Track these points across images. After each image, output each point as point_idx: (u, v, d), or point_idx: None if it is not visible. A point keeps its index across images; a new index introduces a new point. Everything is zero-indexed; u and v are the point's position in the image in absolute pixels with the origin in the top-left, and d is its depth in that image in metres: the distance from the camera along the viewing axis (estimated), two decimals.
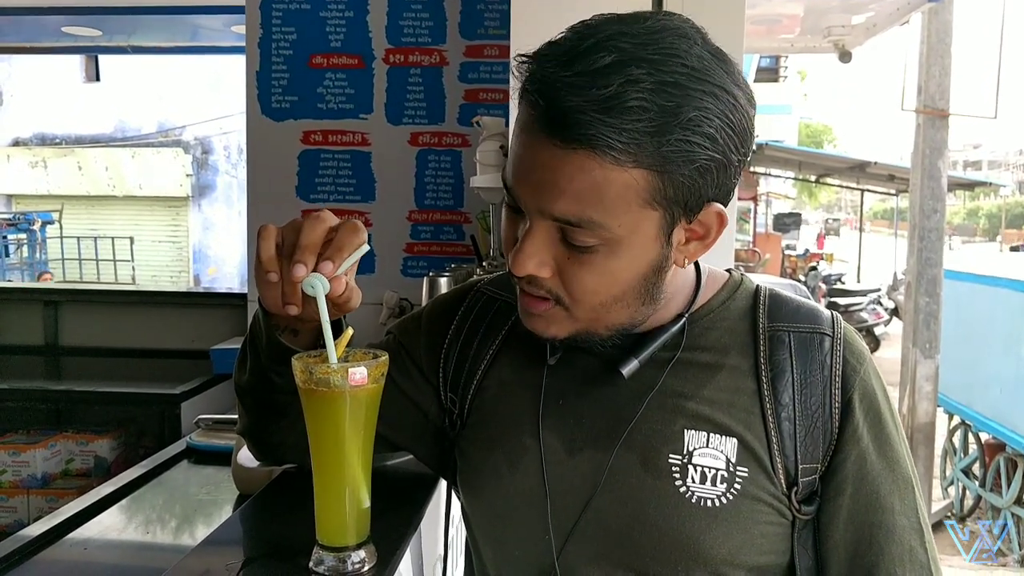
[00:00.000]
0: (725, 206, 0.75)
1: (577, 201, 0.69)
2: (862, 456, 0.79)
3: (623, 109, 0.65)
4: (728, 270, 0.90)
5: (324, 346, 0.75)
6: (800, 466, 0.78)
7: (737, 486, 0.77)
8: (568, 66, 0.66)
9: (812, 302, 0.87)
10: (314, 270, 0.74)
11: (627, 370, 0.80)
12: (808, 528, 0.80)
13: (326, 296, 0.74)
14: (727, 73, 0.70)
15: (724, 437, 0.78)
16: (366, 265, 0.78)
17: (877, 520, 0.78)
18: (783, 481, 0.78)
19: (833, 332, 0.82)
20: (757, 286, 0.87)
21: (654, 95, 0.65)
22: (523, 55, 0.70)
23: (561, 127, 0.66)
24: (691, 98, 0.67)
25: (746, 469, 0.77)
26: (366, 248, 0.77)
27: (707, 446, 0.78)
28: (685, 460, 0.78)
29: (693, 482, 0.77)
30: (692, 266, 0.86)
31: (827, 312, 0.85)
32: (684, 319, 0.82)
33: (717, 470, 0.77)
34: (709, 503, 0.76)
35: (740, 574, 0.78)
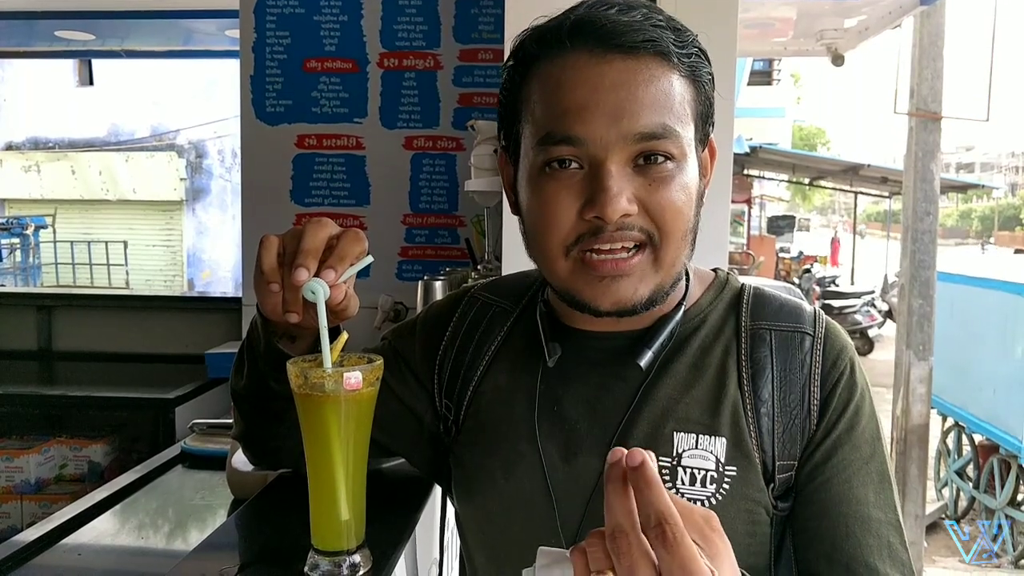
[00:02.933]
0: None
1: (656, 110, 0.73)
2: (834, 449, 0.78)
3: (660, 25, 0.74)
4: (714, 269, 0.90)
5: (320, 352, 0.75)
6: (777, 462, 0.78)
7: (726, 486, 0.77)
8: (592, 8, 0.75)
9: (796, 300, 0.87)
10: (316, 276, 0.74)
11: (644, 361, 0.80)
12: (784, 525, 0.80)
13: (325, 303, 0.74)
14: None
15: (713, 437, 0.78)
16: (362, 270, 0.79)
17: (852, 511, 0.77)
18: (763, 477, 0.78)
19: (814, 331, 0.82)
20: (742, 285, 0.88)
21: (670, 21, 0.76)
22: (549, 20, 0.77)
23: (623, 36, 0.72)
24: (688, 30, 0.78)
25: (735, 468, 0.77)
26: (370, 259, 0.78)
27: (696, 447, 0.78)
28: (674, 463, 0.78)
29: (683, 484, 0.77)
30: (683, 272, 0.86)
31: (810, 309, 0.85)
32: (682, 309, 0.83)
33: (707, 471, 0.77)
34: (698, 504, 0.76)
35: None
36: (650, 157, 0.73)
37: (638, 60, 0.73)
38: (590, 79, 0.73)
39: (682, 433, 0.79)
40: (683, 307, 0.83)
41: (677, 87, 0.74)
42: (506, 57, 0.82)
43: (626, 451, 0.51)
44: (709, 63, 0.78)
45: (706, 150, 0.81)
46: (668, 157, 0.74)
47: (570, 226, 0.75)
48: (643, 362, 0.80)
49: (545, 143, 0.74)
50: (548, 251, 0.77)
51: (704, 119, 0.78)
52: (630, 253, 0.75)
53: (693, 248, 0.80)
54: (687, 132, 0.75)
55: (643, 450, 0.51)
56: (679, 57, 0.74)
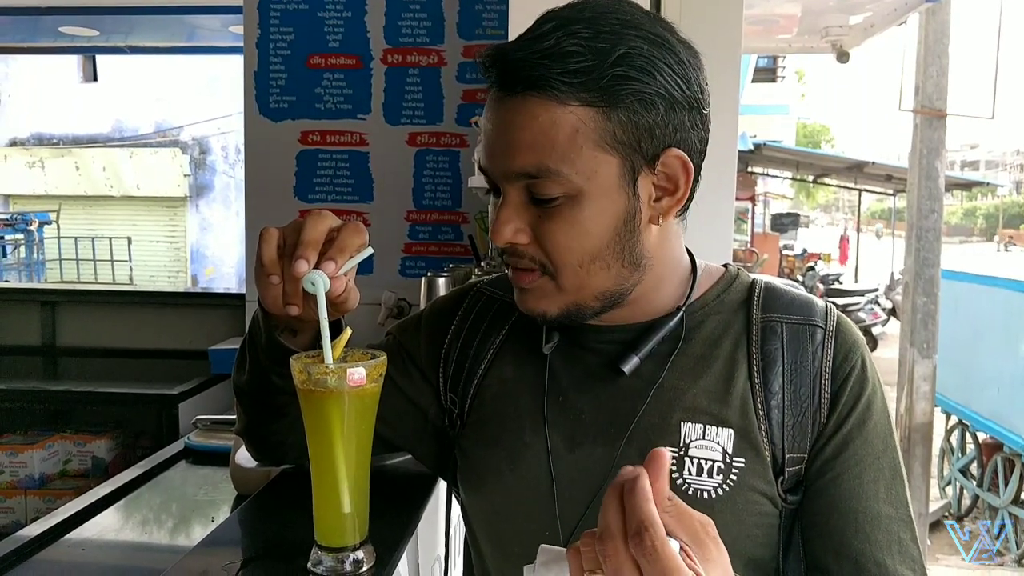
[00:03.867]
0: (692, 159, 0.77)
1: (532, 151, 0.73)
2: (845, 443, 0.79)
3: (562, 54, 0.71)
4: (724, 265, 0.91)
5: (322, 346, 0.74)
6: (787, 455, 0.78)
7: (733, 477, 0.77)
8: (519, 39, 0.75)
9: (807, 294, 0.87)
10: (316, 268, 0.74)
11: (628, 367, 0.81)
12: (793, 519, 0.80)
13: (325, 295, 0.74)
14: (663, 28, 0.76)
15: (720, 428, 0.78)
16: (364, 266, 0.78)
17: (862, 507, 0.77)
18: (771, 470, 0.78)
19: (826, 324, 0.82)
20: (753, 279, 0.88)
21: (589, 41, 0.71)
22: (484, 51, 0.77)
23: (510, 78, 0.73)
24: (624, 40, 0.72)
25: (743, 459, 0.78)
26: (370, 251, 0.78)
27: (704, 438, 0.78)
28: (682, 452, 0.78)
29: (690, 474, 0.77)
30: (687, 258, 0.87)
31: (821, 303, 0.85)
32: (682, 312, 0.83)
33: (714, 462, 0.77)
34: (706, 495, 0.77)
35: (738, 567, 0.77)
36: (537, 194, 0.75)
37: (522, 100, 0.73)
38: (490, 118, 0.77)
39: (689, 423, 0.79)
40: (684, 306, 0.83)
41: (566, 122, 0.72)
42: None
43: (633, 468, 0.52)
44: (656, 76, 0.72)
45: (656, 171, 0.76)
46: (555, 192, 0.74)
47: None
48: (627, 368, 0.81)
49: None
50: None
51: (635, 145, 0.73)
52: (530, 272, 0.79)
53: (635, 268, 0.78)
54: (583, 167, 0.73)
55: (664, 450, 0.53)
56: (577, 87, 0.71)
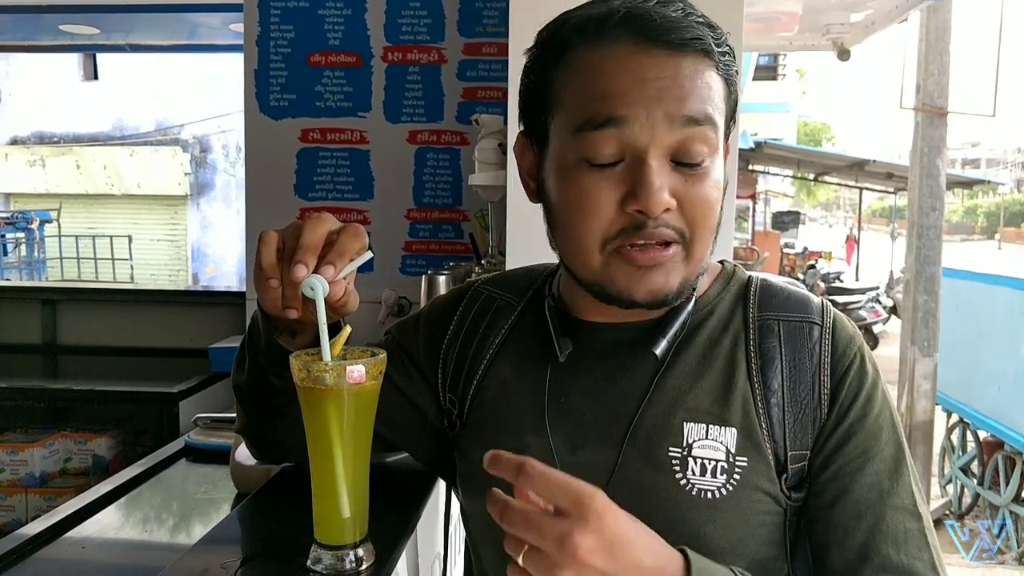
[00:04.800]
0: None
1: (700, 99, 0.74)
2: (847, 437, 0.78)
3: (701, 24, 0.75)
4: (721, 262, 0.90)
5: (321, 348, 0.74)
6: (789, 452, 0.78)
7: (737, 476, 0.77)
8: (637, 3, 0.75)
9: (803, 291, 0.87)
10: (315, 272, 0.74)
11: (659, 349, 0.80)
12: (799, 516, 0.80)
13: (324, 299, 0.74)
14: None
15: (723, 428, 0.78)
16: (364, 265, 0.78)
17: (864, 498, 0.77)
18: (774, 468, 0.78)
19: (823, 321, 0.82)
20: (749, 276, 0.88)
21: (705, 18, 0.77)
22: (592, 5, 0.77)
23: (670, 33, 0.73)
24: (720, 28, 0.78)
25: (746, 458, 0.77)
26: (369, 254, 0.77)
27: (706, 438, 0.78)
28: (685, 453, 0.78)
29: (693, 474, 0.77)
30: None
31: (817, 300, 0.85)
32: (692, 299, 0.83)
33: (717, 461, 0.77)
34: (709, 495, 0.76)
35: (742, 565, 0.77)
36: (687, 153, 0.74)
37: (684, 55, 0.74)
38: (633, 69, 0.73)
39: (692, 423, 0.79)
40: (693, 299, 0.83)
41: (716, 84, 0.75)
42: (533, 44, 0.81)
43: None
44: (736, 63, 0.79)
45: (725, 147, 0.81)
46: (703, 153, 0.74)
47: (610, 219, 0.75)
48: (658, 350, 0.80)
49: (584, 128, 0.74)
50: (584, 244, 0.76)
51: (730, 118, 0.79)
52: (666, 247, 0.76)
53: (715, 242, 0.80)
54: (721, 126, 0.77)
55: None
56: (718, 56, 0.76)
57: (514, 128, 0.88)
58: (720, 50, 0.76)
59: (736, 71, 0.79)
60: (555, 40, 0.78)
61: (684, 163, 0.74)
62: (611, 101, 0.73)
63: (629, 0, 0.75)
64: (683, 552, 0.65)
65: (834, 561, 0.77)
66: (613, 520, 0.60)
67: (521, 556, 0.60)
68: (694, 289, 0.81)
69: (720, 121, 0.76)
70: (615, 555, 0.59)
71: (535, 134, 0.81)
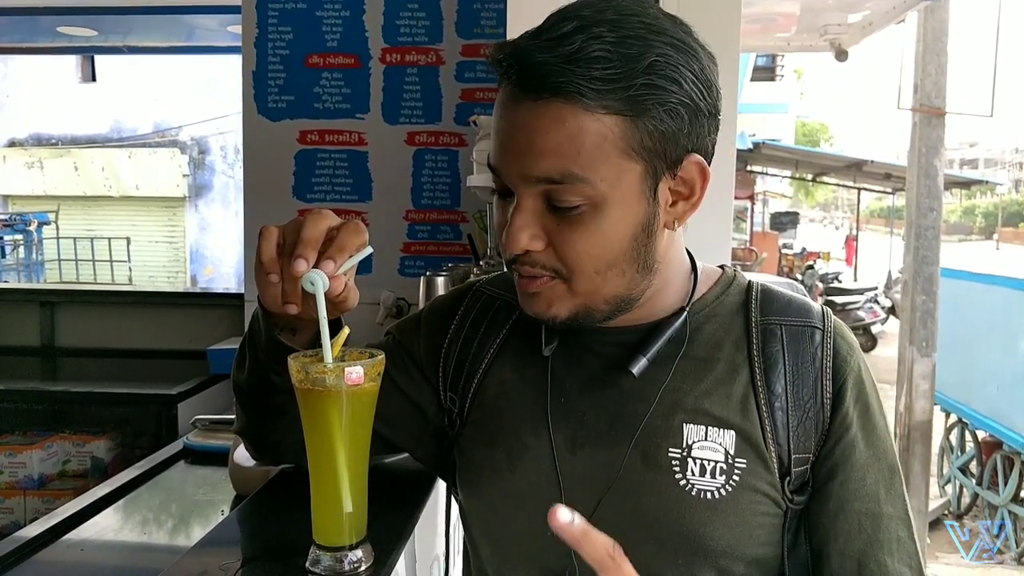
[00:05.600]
0: (707, 163, 0.77)
1: (557, 156, 0.71)
2: (851, 445, 0.80)
3: (588, 59, 0.69)
4: (721, 266, 0.91)
5: (321, 345, 0.74)
6: (793, 456, 0.79)
7: (736, 477, 0.77)
8: (536, 36, 0.72)
9: (803, 297, 0.88)
10: (315, 267, 0.74)
11: (636, 368, 0.80)
12: (799, 518, 0.81)
13: (324, 294, 0.74)
14: (684, 32, 0.75)
15: (722, 430, 0.79)
16: (363, 266, 0.78)
17: (865, 508, 0.79)
18: (777, 471, 0.79)
19: (824, 325, 0.83)
20: (749, 281, 0.88)
21: (616, 46, 0.69)
22: (496, 45, 0.75)
23: (533, 82, 0.70)
24: (651, 47, 0.71)
25: (744, 460, 0.78)
26: (369, 250, 0.78)
27: (706, 439, 0.79)
28: (684, 454, 0.78)
29: (693, 475, 0.78)
30: (688, 259, 0.87)
31: (817, 306, 0.86)
32: (686, 312, 0.83)
33: (716, 462, 0.78)
34: (709, 495, 0.77)
35: (739, 567, 0.78)
36: (557, 201, 0.73)
37: (546, 104, 0.70)
38: (507, 117, 0.74)
39: (692, 425, 0.79)
40: (687, 307, 0.83)
41: (593, 130, 0.70)
42: None
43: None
44: (682, 84, 0.72)
45: (676, 178, 0.76)
46: (575, 201, 0.73)
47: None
48: (635, 369, 0.80)
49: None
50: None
51: (660, 151, 0.73)
52: (539, 278, 0.77)
53: (647, 272, 0.78)
54: (607, 174, 0.72)
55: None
56: (604, 97, 0.69)
57: None
58: (615, 86, 0.69)
59: (671, 101, 0.71)
60: None
61: (557, 209, 0.74)
62: (495, 151, 0.76)
63: (532, 34, 0.72)
64: None
65: (834, 567, 0.79)
66: None
67: None
68: (622, 308, 0.80)
69: (599, 172, 0.71)
70: None
71: None
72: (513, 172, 0.74)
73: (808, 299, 0.88)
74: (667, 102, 0.71)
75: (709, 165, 0.78)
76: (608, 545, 0.58)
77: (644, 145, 0.72)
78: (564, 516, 0.57)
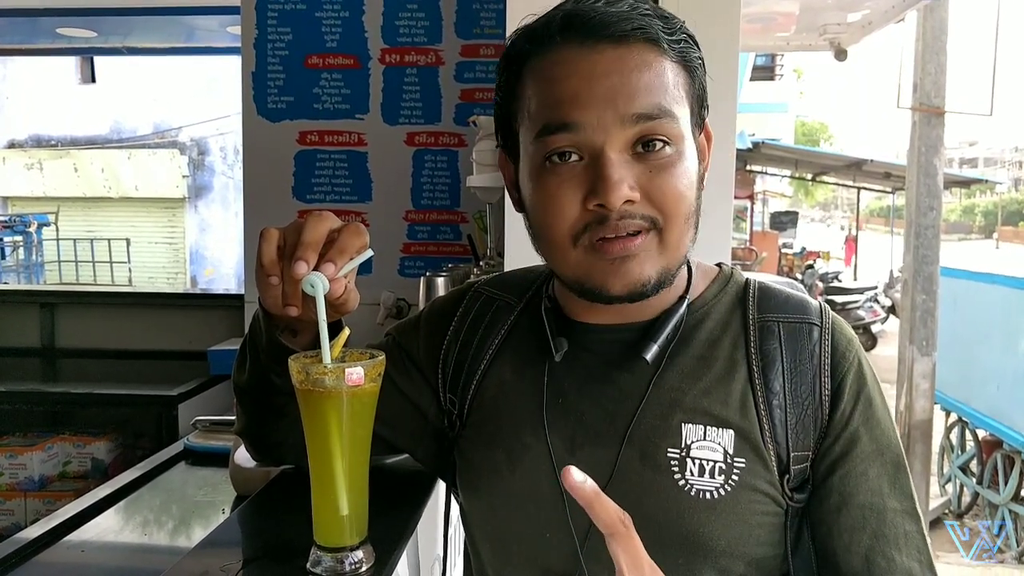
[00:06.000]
0: None
1: (649, 92, 0.74)
2: (851, 440, 0.79)
3: (647, 14, 0.76)
4: (718, 264, 0.91)
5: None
6: (792, 453, 0.79)
7: (735, 477, 0.77)
8: (586, 1, 0.76)
9: (800, 294, 0.87)
10: (316, 269, 0.74)
11: (650, 355, 0.80)
12: (801, 518, 0.81)
13: (325, 296, 0.74)
14: None
15: (721, 429, 0.78)
16: (363, 266, 0.78)
17: (869, 502, 0.78)
18: (776, 469, 0.78)
19: (821, 322, 0.83)
20: (747, 279, 0.88)
21: (656, 9, 0.77)
22: (525, 25, 0.79)
23: (612, 26, 0.74)
24: (675, 18, 0.79)
25: (743, 460, 0.78)
26: (370, 253, 0.78)
27: (704, 439, 0.78)
28: (683, 453, 0.78)
29: (692, 475, 0.77)
30: (687, 258, 0.86)
31: (815, 303, 0.85)
32: (686, 301, 0.83)
33: (715, 462, 0.77)
34: (708, 495, 0.77)
35: (739, 566, 0.78)
36: (648, 144, 0.74)
37: (628, 48, 0.74)
38: (582, 69, 0.74)
39: (690, 424, 0.79)
40: (687, 300, 0.84)
41: (669, 72, 0.76)
42: (500, 59, 0.83)
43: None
44: (699, 49, 0.79)
45: (702, 135, 0.82)
46: (666, 142, 0.74)
47: (575, 216, 0.75)
48: (649, 356, 0.80)
49: (543, 135, 0.75)
50: (556, 242, 0.77)
51: (699, 103, 0.79)
52: (636, 236, 0.75)
53: (696, 232, 0.80)
54: (683, 115, 0.76)
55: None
56: (668, 43, 0.75)
57: None
58: (673, 38, 0.76)
59: (699, 59, 0.79)
60: (513, 51, 0.80)
61: (645, 154, 0.74)
62: (563, 107, 0.74)
63: (576, 0, 0.76)
64: None
65: (840, 564, 0.78)
66: None
67: None
68: (673, 278, 0.80)
69: (680, 110, 0.76)
70: None
71: (510, 146, 0.84)
72: (606, 117, 0.73)
73: (806, 296, 0.87)
74: (698, 60, 0.79)
75: None
76: (619, 513, 0.59)
77: (692, 95, 0.78)
78: (577, 476, 0.59)
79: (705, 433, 0.78)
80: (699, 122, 0.80)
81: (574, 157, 0.75)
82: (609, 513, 0.59)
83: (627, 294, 0.77)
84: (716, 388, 0.80)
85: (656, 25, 0.75)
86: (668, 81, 0.75)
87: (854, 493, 0.78)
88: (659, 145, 0.74)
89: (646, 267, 0.76)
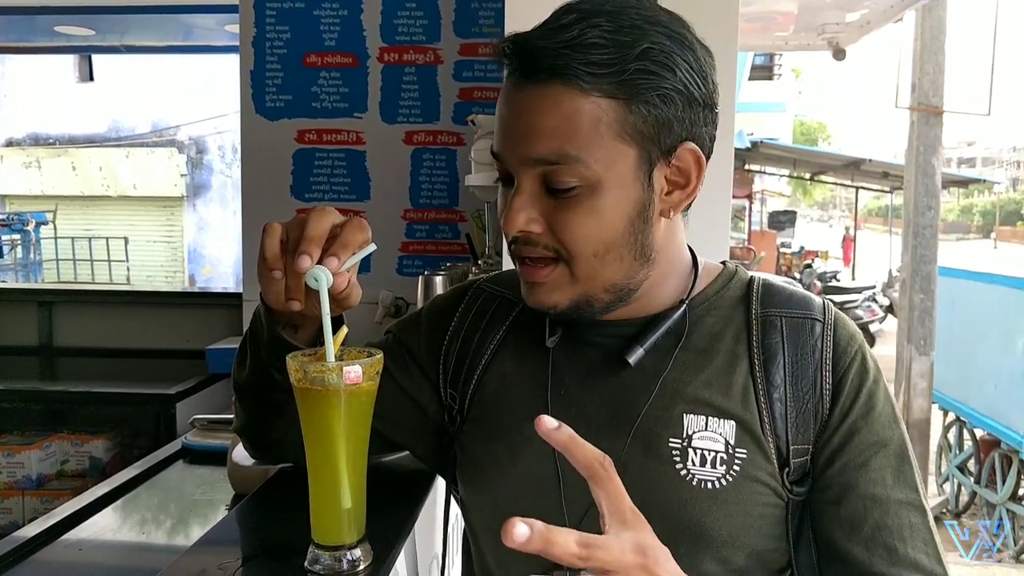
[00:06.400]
0: (703, 154, 0.79)
1: (553, 137, 0.73)
2: (851, 432, 0.79)
3: (585, 45, 0.72)
4: (723, 262, 0.91)
5: (324, 342, 0.74)
6: (791, 447, 0.79)
7: (736, 467, 0.78)
8: (540, 27, 0.75)
9: (804, 290, 0.88)
10: (319, 263, 0.74)
11: (633, 358, 0.81)
12: (803, 511, 0.81)
13: (328, 291, 0.74)
14: (681, 25, 0.77)
15: (722, 420, 0.79)
16: (362, 264, 0.79)
17: (870, 494, 0.78)
18: (776, 462, 0.79)
19: (824, 317, 0.83)
20: (751, 276, 0.89)
21: (612, 34, 0.73)
22: (502, 38, 0.77)
23: (532, 64, 0.73)
24: (646, 35, 0.74)
25: (745, 450, 0.78)
26: (373, 247, 0.78)
27: (706, 429, 0.79)
28: (685, 444, 0.79)
29: (693, 465, 0.78)
30: (689, 254, 0.87)
31: (818, 299, 0.86)
32: (685, 305, 0.83)
33: (716, 452, 0.78)
34: (709, 485, 0.77)
35: (740, 557, 0.78)
36: (554, 183, 0.75)
37: (544, 87, 0.73)
38: (509, 104, 0.77)
39: (692, 415, 0.79)
40: (686, 301, 0.84)
41: (588, 111, 0.73)
42: None
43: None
44: (670, 76, 0.74)
45: (671, 165, 0.77)
46: (571, 183, 0.75)
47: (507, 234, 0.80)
48: (632, 359, 0.81)
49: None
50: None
51: (655, 136, 0.75)
52: (544, 264, 0.79)
53: (645, 261, 0.79)
54: (601, 156, 0.74)
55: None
56: (598, 80, 0.72)
57: None
58: (609, 71, 0.72)
59: (665, 87, 0.73)
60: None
61: (554, 191, 0.76)
62: (497, 137, 0.78)
63: (538, 26, 0.75)
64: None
65: (841, 555, 0.78)
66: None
67: None
68: (621, 300, 0.81)
69: (596, 153, 0.73)
70: (666, 558, 0.59)
71: None
72: (513, 155, 0.76)
73: (810, 293, 0.88)
74: (660, 87, 0.74)
75: (707, 158, 0.79)
76: (599, 455, 0.59)
77: (638, 129, 0.74)
78: (550, 423, 0.59)
79: (707, 423, 0.79)
80: (662, 152, 0.76)
81: (509, 182, 0.79)
82: (587, 455, 0.59)
83: (544, 312, 0.82)
84: (718, 379, 0.81)
85: (586, 60, 0.71)
86: (582, 124, 0.73)
87: (854, 484, 0.78)
88: (562, 184, 0.75)
89: (554, 295, 0.79)
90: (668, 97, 0.74)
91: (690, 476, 0.77)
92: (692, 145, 0.77)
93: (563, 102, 0.73)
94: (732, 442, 0.78)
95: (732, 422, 0.79)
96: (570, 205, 0.75)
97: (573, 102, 0.73)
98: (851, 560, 0.77)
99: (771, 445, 0.79)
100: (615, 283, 0.79)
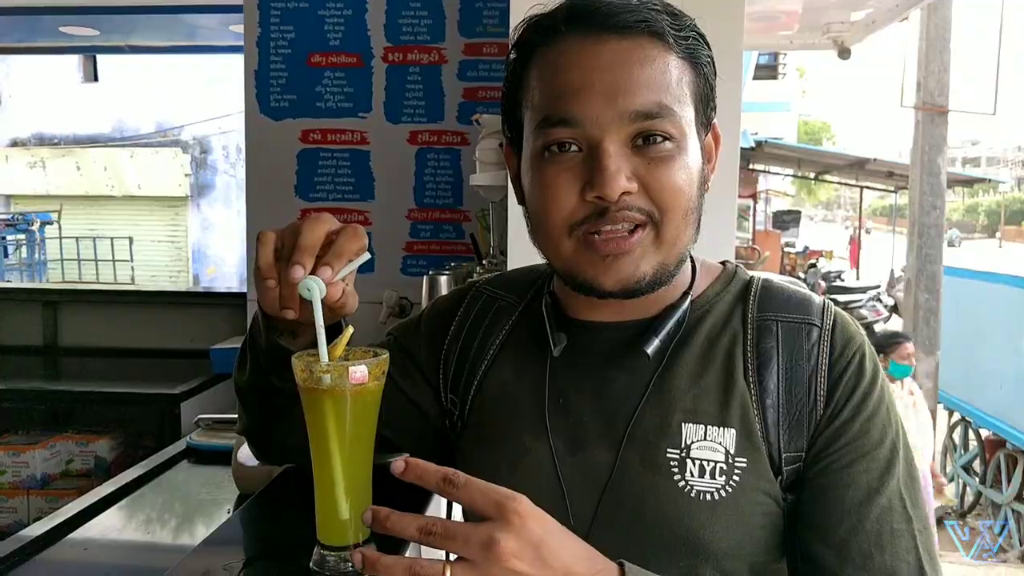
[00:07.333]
0: None
1: (652, 89, 0.73)
2: (838, 435, 0.77)
3: (654, 8, 0.75)
4: (723, 262, 0.90)
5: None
6: (783, 454, 0.77)
7: (736, 477, 0.76)
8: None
9: (805, 292, 0.85)
10: (313, 273, 0.73)
11: (651, 349, 0.80)
12: (796, 515, 0.79)
13: (322, 300, 0.74)
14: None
15: (722, 428, 0.77)
16: (365, 265, 0.78)
17: (848, 496, 0.75)
18: (770, 469, 0.77)
19: (822, 322, 0.81)
20: (751, 277, 0.87)
21: (666, 5, 0.77)
22: (534, 15, 0.79)
23: (621, 18, 0.74)
24: (685, 15, 0.79)
25: (745, 460, 0.76)
26: (367, 256, 0.77)
27: (705, 439, 0.77)
28: (683, 454, 0.77)
29: (692, 476, 0.76)
30: (688, 255, 0.86)
31: (819, 301, 0.84)
32: (688, 298, 0.82)
33: (716, 463, 0.76)
34: (708, 496, 0.76)
35: (743, 569, 0.77)
36: (648, 138, 0.74)
37: (633, 40, 0.73)
38: (585, 61, 0.74)
39: (690, 424, 0.78)
40: (689, 297, 0.83)
41: (674, 68, 0.75)
42: (509, 49, 0.83)
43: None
44: (708, 47, 0.78)
45: (709, 135, 0.81)
46: (666, 137, 0.74)
47: (572, 207, 0.75)
48: (650, 350, 0.79)
49: (543, 126, 0.76)
50: (551, 232, 0.77)
51: (704, 102, 0.78)
52: (631, 232, 0.75)
53: (698, 232, 0.80)
54: (685, 113, 0.76)
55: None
56: (675, 38, 0.75)
57: None
58: (680, 34, 0.75)
59: (708, 57, 0.78)
60: (521, 39, 0.80)
61: (645, 147, 0.74)
62: (564, 100, 0.74)
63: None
64: (620, 564, 0.65)
65: (812, 558, 0.76)
66: (539, 523, 0.60)
67: (448, 569, 0.59)
68: (672, 276, 0.80)
69: (682, 108, 0.75)
70: (542, 559, 0.59)
71: (514, 137, 0.83)
72: (604, 112, 0.73)
73: (810, 294, 0.86)
74: (706, 58, 0.78)
75: None
76: (440, 475, 0.63)
77: (698, 92, 0.77)
78: (396, 467, 0.63)
79: (706, 433, 0.77)
80: (705, 122, 0.79)
81: (573, 148, 0.75)
82: (429, 481, 0.63)
83: (620, 290, 0.77)
84: (716, 387, 0.79)
85: (663, 20, 0.74)
86: (671, 78, 0.74)
87: (832, 486, 0.76)
88: (659, 139, 0.74)
89: (641, 264, 0.76)
90: (711, 70, 0.78)
91: (688, 487, 0.76)
92: (716, 122, 0.81)
93: (656, 55, 0.74)
94: (732, 451, 0.76)
95: (732, 430, 0.77)
96: (663, 159, 0.74)
97: (664, 56, 0.74)
98: (822, 564, 0.75)
99: (764, 453, 0.77)
100: (682, 253, 0.79)
